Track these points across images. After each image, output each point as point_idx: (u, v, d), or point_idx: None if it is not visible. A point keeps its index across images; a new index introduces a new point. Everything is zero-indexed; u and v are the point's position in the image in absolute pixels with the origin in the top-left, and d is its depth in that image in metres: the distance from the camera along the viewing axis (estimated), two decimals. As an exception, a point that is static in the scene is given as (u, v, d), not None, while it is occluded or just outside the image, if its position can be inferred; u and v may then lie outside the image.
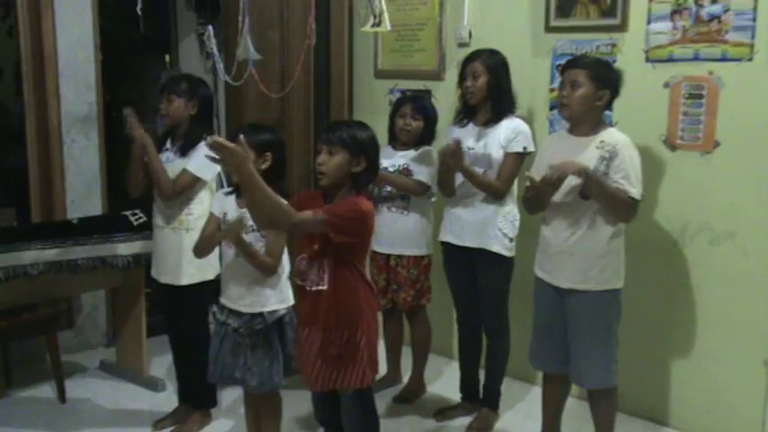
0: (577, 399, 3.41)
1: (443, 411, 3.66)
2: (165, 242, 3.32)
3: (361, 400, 2.71)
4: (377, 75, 4.49)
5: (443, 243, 3.52)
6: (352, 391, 2.67)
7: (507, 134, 3.29)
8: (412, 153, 3.61)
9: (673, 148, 3.39)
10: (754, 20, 3.11)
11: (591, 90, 2.83)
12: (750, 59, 3.14)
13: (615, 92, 2.91)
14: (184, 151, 3.27)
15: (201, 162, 3.22)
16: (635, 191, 2.79)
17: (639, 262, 3.47)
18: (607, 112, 3.49)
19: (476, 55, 3.37)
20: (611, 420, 3.04)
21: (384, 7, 3.41)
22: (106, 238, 3.73)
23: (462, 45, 4.04)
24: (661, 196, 3.44)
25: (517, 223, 3.38)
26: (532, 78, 3.76)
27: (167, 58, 6.09)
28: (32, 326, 3.73)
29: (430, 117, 3.64)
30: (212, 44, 3.83)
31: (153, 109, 6.34)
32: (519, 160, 3.28)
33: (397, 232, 3.61)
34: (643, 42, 3.42)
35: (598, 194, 2.79)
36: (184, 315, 3.40)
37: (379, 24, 3.52)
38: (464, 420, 3.57)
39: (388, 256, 3.65)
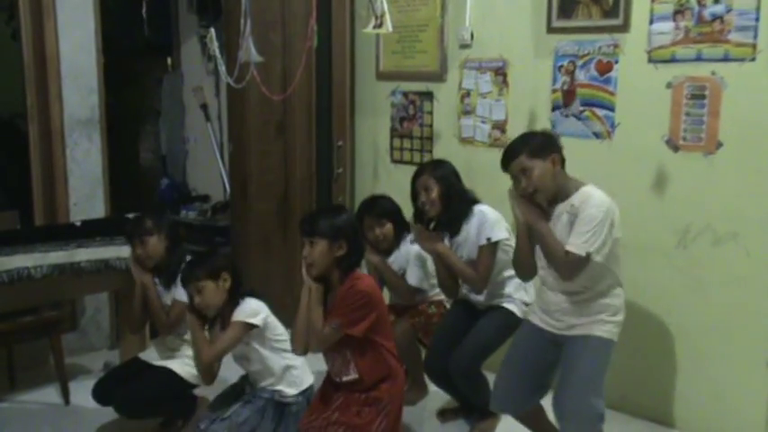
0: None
1: (446, 411, 3.66)
2: (185, 372, 3.34)
3: None
4: (378, 76, 4.48)
5: (461, 300, 3.52)
6: None
7: (476, 232, 3.29)
8: (401, 252, 3.63)
9: (675, 148, 3.39)
10: (756, 20, 3.10)
11: (543, 165, 2.73)
12: (753, 59, 3.14)
13: (560, 150, 2.82)
14: (168, 284, 3.37)
15: None
16: (573, 247, 2.65)
17: (642, 263, 3.47)
18: (610, 114, 3.51)
19: (422, 170, 3.40)
20: None
21: (385, 9, 3.42)
22: (109, 241, 3.73)
23: (464, 46, 4.04)
24: (663, 197, 3.44)
25: (531, 290, 3.34)
26: (534, 79, 3.76)
27: (169, 61, 6.11)
28: (36, 328, 3.74)
29: (394, 213, 3.63)
30: (214, 47, 3.84)
31: (155, 111, 6.39)
32: (489, 250, 3.26)
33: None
34: (645, 43, 3.41)
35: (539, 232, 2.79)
36: (152, 391, 3.30)
37: (380, 26, 3.53)
38: (466, 421, 3.57)
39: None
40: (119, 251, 3.72)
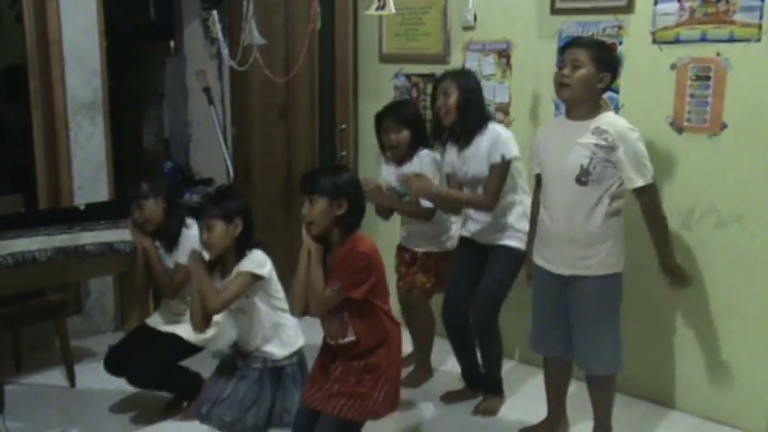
0: (582, 381, 3.41)
1: (450, 394, 3.67)
2: (191, 336, 3.34)
3: (343, 425, 2.64)
4: (381, 59, 4.47)
5: (462, 237, 3.54)
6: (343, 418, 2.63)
7: (488, 148, 3.27)
8: (413, 165, 3.60)
9: (679, 130, 3.38)
10: (762, 0, 3.08)
11: (592, 71, 2.80)
12: (758, 40, 3.12)
13: (615, 75, 2.90)
14: (170, 247, 3.39)
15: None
16: (643, 180, 2.80)
17: (646, 245, 3.45)
18: (614, 95, 3.50)
19: (445, 75, 3.39)
20: (610, 403, 3.06)
21: (388, -10, 3.40)
22: (113, 224, 3.75)
23: (467, 28, 4.02)
24: (668, 179, 3.43)
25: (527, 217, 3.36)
26: (538, 61, 3.74)
27: (172, 44, 6.08)
28: (41, 312, 3.75)
29: (414, 122, 3.60)
30: (217, 29, 3.83)
31: (158, 95, 6.37)
32: (501, 168, 3.25)
33: (424, 233, 3.64)
34: (650, 24, 3.39)
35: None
36: (163, 357, 3.37)
37: (383, 7, 3.52)
38: (471, 403, 3.59)
39: (416, 252, 3.68)
40: (123, 234, 3.72)
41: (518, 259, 3.32)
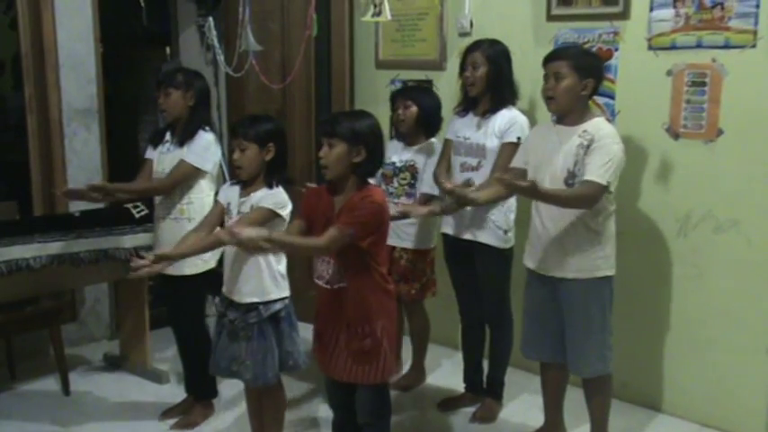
0: (578, 387, 3.40)
1: (447, 402, 3.66)
2: (167, 233, 3.32)
3: (377, 389, 2.72)
4: (378, 65, 4.47)
5: (444, 234, 3.52)
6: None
7: (502, 124, 3.27)
8: (417, 148, 3.63)
9: (676, 136, 3.38)
10: (757, 6, 3.08)
11: (575, 81, 2.82)
12: (753, 46, 3.12)
13: (599, 80, 2.91)
14: (182, 142, 3.30)
15: (200, 153, 3.27)
16: (597, 177, 2.74)
17: (643, 250, 3.47)
18: (610, 101, 3.50)
19: (476, 45, 3.35)
20: (606, 409, 3.06)
21: (384, -4, 3.40)
22: (108, 231, 3.73)
23: (463, 35, 4.02)
24: (664, 185, 3.43)
25: (512, 215, 3.36)
26: (534, 68, 3.73)
27: (167, 50, 6.08)
28: (36, 319, 3.74)
29: (423, 103, 3.61)
30: (213, 36, 3.83)
31: (153, 101, 6.36)
32: (514, 150, 3.21)
33: (404, 226, 3.61)
34: (645, 30, 3.40)
35: (543, 200, 2.85)
36: (185, 305, 3.39)
37: (379, 14, 3.51)
38: (468, 410, 3.57)
39: (393, 248, 3.63)
40: (118, 241, 3.71)
41: (505, 258, 3.37)
